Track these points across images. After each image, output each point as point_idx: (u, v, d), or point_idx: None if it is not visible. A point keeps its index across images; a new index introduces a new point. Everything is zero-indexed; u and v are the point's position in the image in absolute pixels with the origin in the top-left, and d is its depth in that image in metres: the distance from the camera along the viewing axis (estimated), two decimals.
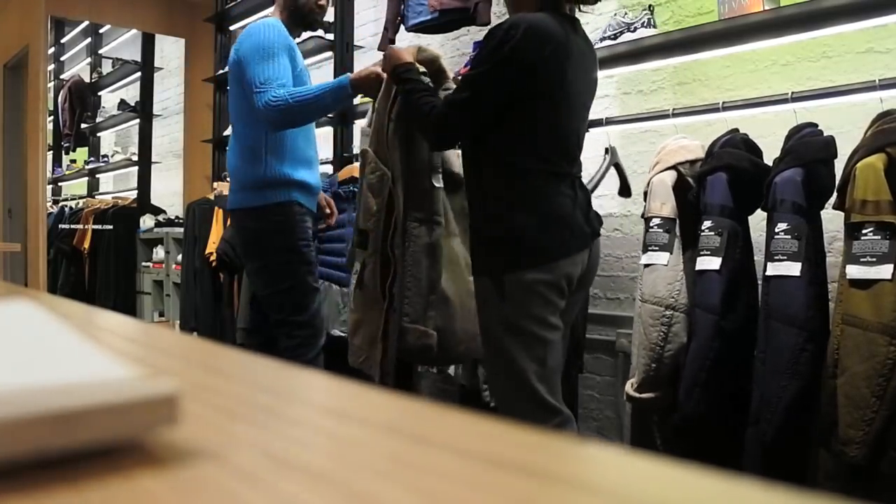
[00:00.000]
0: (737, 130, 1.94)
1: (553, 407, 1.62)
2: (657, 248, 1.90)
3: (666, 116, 2.26)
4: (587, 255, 1.69)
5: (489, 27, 1.61)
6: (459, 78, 1.73)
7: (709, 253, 1.80)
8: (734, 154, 1.83)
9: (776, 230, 1.67)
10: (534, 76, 1.58)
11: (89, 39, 6.16)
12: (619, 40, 2.33)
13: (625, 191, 2.29)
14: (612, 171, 2.32)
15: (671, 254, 1.88)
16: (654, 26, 2.31)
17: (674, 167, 1.96)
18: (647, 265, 1.92)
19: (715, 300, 1.78)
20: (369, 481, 0.22)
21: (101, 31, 6.02)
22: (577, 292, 1.72)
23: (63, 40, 6.47)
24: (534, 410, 1.60)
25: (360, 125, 3.37)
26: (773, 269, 1.67)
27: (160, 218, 5.00)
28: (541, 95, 1.61)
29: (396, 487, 0.21)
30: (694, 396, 1.79)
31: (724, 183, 1.81)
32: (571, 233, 1.65)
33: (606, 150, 2.32)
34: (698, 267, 1.82)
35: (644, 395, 1.89)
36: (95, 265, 5.17)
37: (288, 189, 2.20)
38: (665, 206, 1.91)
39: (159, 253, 4.75)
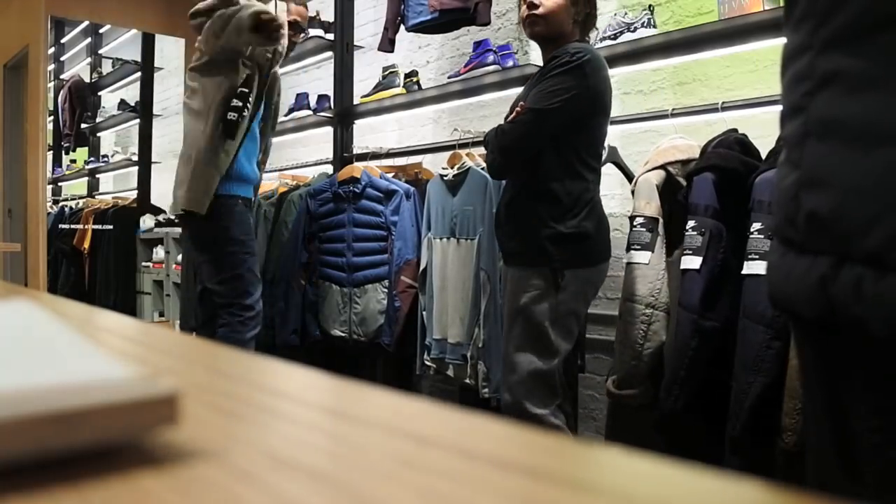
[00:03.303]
0: (735, 130, 1.94)
1: (556, 391, 1.89)
2: (639, 247, 1.92)
3: (666, 116, 2.26)
4: None
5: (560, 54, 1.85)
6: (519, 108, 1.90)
7: (691, 252, 1.82)
8: (723, 154, 1.84)
9: (752, 230, 1.68)
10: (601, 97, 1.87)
11: (89, 39, 6.16)
12: (619, 40, 2.33)
13: (630, 180, 2.31)
14: (612, 172, 2.32)
15: (653, 253, 1.90)
16: (654, 26, 2.31)
17: (662, 167, 1.97)
18: (629, 263, 1.94)
19: (694, 299, 1.80)
20: (369, 481, 0.22)
21: (101, 31, 6.02)
22: None
23: (63, 40, 6.46)
24: (548, 390, 1.86)
25: (359, 125, 3.38)
26: (748, 267, 1.69)
27: (160, 218, 4.99)
28: (597, 114, 1.88)
29: (397, 487, 0.21)
30: (673, 393, 1.82)
31: (710, 183, 1.82)
32: (610, 239, 1.93)
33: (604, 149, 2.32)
34: (682, 266, 1.85)
35: (624, 392, 1.91)
36: (95, 265, 5.16)
37: (228, 182, 2.40)
38: (649, 205, 1.92)
39: (159, 253, 4.74)
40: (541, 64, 2.58)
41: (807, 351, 0.74)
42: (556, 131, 1.83)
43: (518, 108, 1.88)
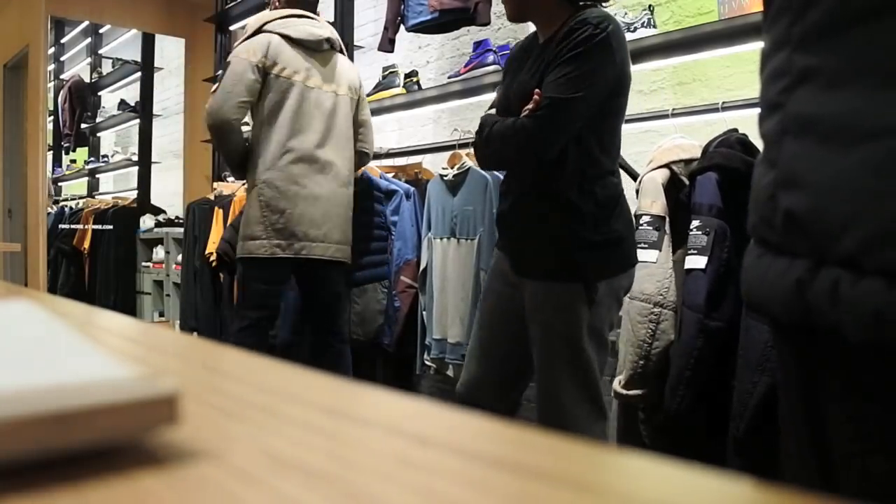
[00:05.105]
0: (736, 130, 1.94)
1: (606, 411, 1.69)
2: (646, 245, 1.91)
3: (666, 116, 2.26)
4: None
5: (575, 26, 1.52)
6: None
7: (696, 252, 1.81)
8: (725, 154, 1.83)
9: None
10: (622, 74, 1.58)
11: (89, 39, 6.16)
12: None
13: (633, 178, 2.30)
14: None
15: (660, 251, 1.89)
16: (654, 26, 2.31)
17: (666, 165, 1.96)
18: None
19: (700, 299, 1.79)
20: (369, 481, 0.22)
21: (101, 31, 6.03)
22: None
23: (63, 40, 6.47)
24: (592, 412, 1.65)
25: None
26: None
27: (160, 218, 5.00)
28: (622, 93, 1.61)
29: (396, 487, 0.21)
30: (678, 394, 1.81)
31: (714, 182, 1.81)
32: (636, 239, 1.74)
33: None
34: (686, 266, 1.83)
35: (631, 392, 1.90)
36: (95, 265, 5.16)
37: None
38: (655, 203, 1.92)
39: (159, 253, 4.75)
40: None
41: (784, 353, 0.72)
42: (585, 121, 1.54)
43: (536, 98, 1.52)
